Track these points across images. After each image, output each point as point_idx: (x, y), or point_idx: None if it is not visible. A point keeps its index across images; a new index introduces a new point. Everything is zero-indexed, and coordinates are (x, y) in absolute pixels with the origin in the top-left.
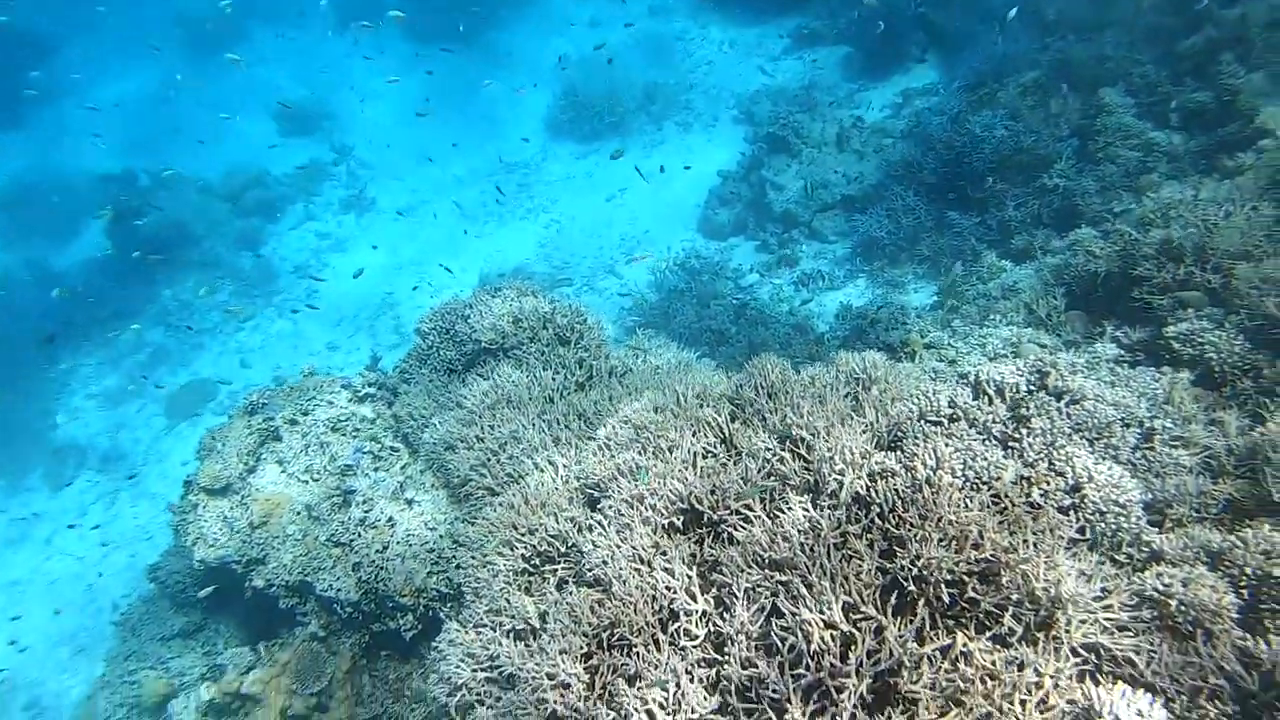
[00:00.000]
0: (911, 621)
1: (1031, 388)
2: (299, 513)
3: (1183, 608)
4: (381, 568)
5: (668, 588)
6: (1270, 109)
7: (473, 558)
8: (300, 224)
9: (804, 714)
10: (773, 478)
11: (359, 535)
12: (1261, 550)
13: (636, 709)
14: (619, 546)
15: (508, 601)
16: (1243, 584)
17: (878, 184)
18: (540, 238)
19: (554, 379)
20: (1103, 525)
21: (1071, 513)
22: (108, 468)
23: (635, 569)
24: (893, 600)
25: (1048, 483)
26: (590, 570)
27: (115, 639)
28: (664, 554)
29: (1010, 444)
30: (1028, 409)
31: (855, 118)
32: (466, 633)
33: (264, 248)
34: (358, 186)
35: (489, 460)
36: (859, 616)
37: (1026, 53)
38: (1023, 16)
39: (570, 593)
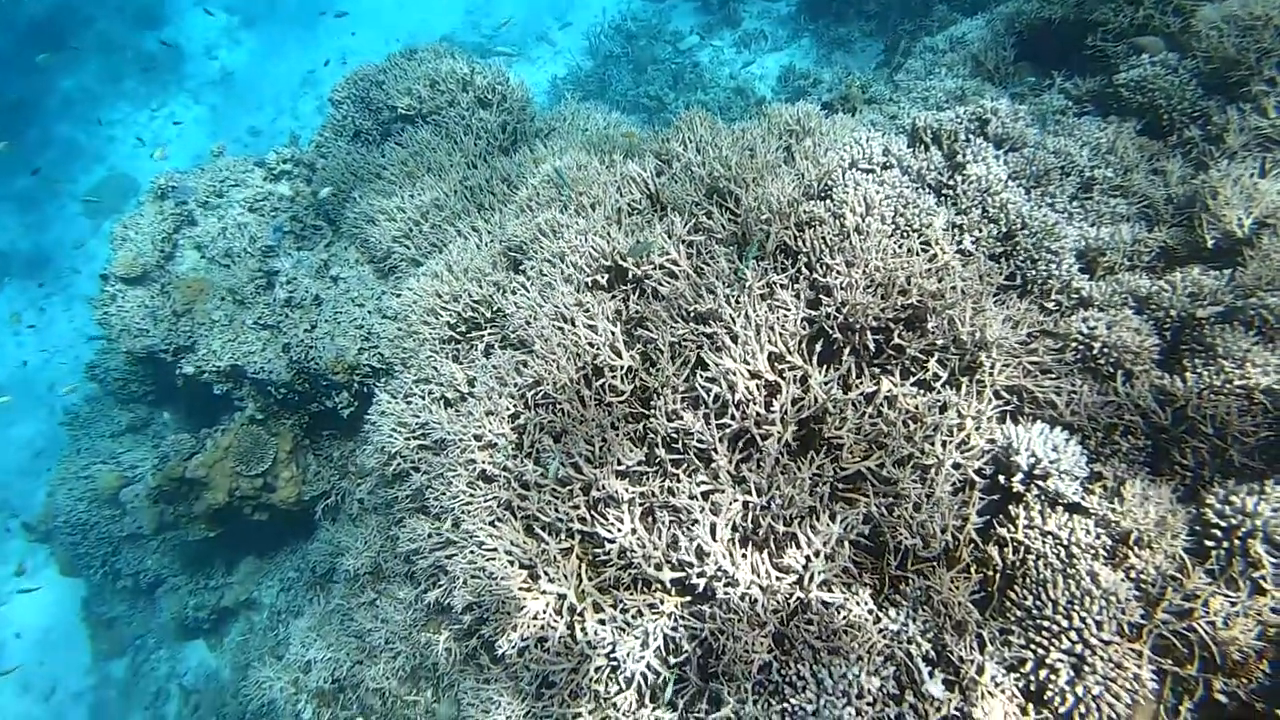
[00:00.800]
0: (837, 369)
1: (970, 134)
2: (223, 297)
3: (1105, 349)
4: (310, 347)
5: (591, 343)
6: None
7: (399, 328)
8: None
9: (730, 462)
10: (700, 232)
11: (286, 316)
12: (1188, 293)
13: (563, 464)
14: (541, 305)
15: (435, 369)
16: (1167, 326)
17: None
18: (468, 3)
19: (475, 144)
20: (1034, 272)
21: (1003, 260)
22: (34, 273)
23: (558, 327)
24: (819, 349)
25: (980, 229)
26: (514, 331)
27: (67, 439)
28: (587, 311)
29: (944, 191)
30: (964, 155)
31: None
32: (397, 403)
33: (167, 26)
34: None
35: (411, 231)
36: (785, 366)
37: None
38: None
39: (496, 355)
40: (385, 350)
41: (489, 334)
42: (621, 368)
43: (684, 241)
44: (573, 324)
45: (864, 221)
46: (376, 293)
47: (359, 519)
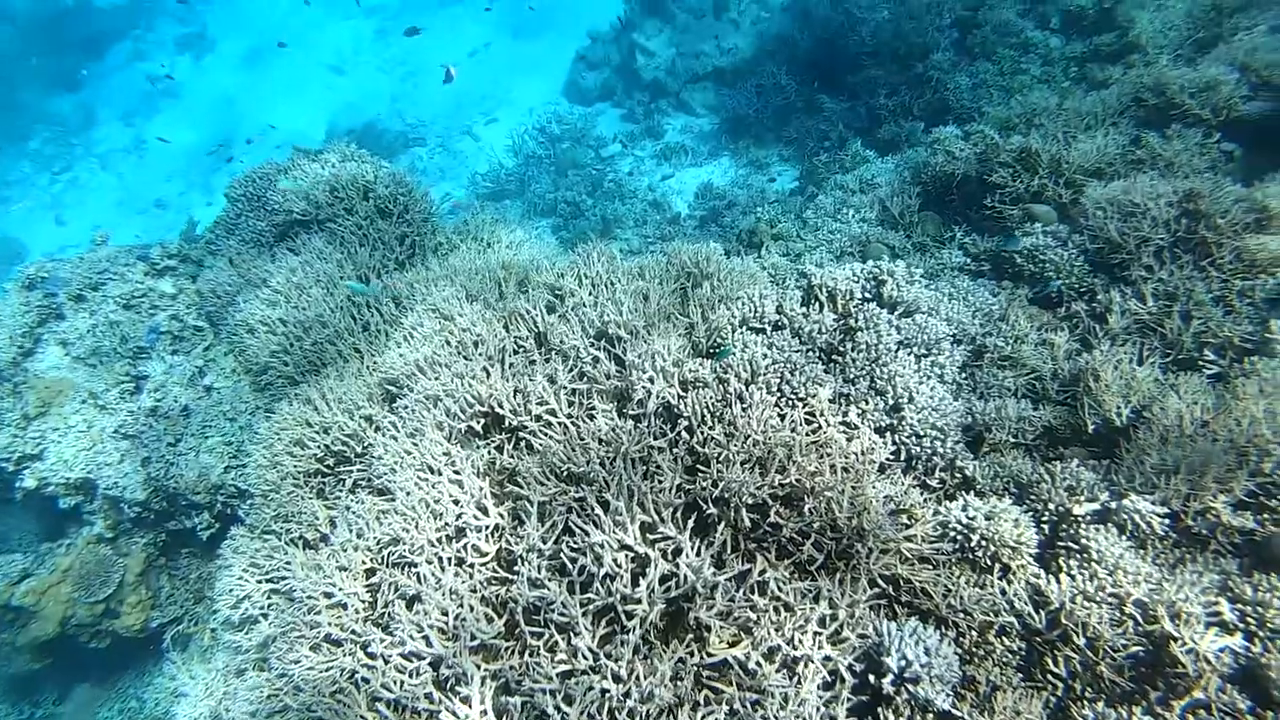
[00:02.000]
0: (711, 545)
1: (866, 295)
2: (84, 400)
3: (984, 542)
4: (172, 463)
5: (455, 500)
6: (1144, 23)
7: (263, 456)
8: (127, 64)
9: (592, 638)
10: (584, 380)
11: (149, 426)
12: (1067, 486)
13: (413, 635)
14: (408, 453)
15: (296, 506)
16: (1045, 520)
17: (752, 58)
18: (396, 91)
19: (370, 256)
20: (918, 449)
21: (889, 434)
22: None
23: (422, 479)
24: (695, 519)
25: (867, 401)
26: (379, 477)
27: None
28: (454, 463)
29: (834, 357)
30: (856, 320)
31: None
32: (252, 539)
33: (85, 90)
34: (197, 24)
35: (290, 346)
36: (657, 537)
37: None
38: None
39: (359, 500)
40: (250, 476)
41: (357, 470)
42: (487, 526)
43: (566, 390)
44: (439, 476)
45: (748, 389)
46: (251, 407)
47: (209, 653)
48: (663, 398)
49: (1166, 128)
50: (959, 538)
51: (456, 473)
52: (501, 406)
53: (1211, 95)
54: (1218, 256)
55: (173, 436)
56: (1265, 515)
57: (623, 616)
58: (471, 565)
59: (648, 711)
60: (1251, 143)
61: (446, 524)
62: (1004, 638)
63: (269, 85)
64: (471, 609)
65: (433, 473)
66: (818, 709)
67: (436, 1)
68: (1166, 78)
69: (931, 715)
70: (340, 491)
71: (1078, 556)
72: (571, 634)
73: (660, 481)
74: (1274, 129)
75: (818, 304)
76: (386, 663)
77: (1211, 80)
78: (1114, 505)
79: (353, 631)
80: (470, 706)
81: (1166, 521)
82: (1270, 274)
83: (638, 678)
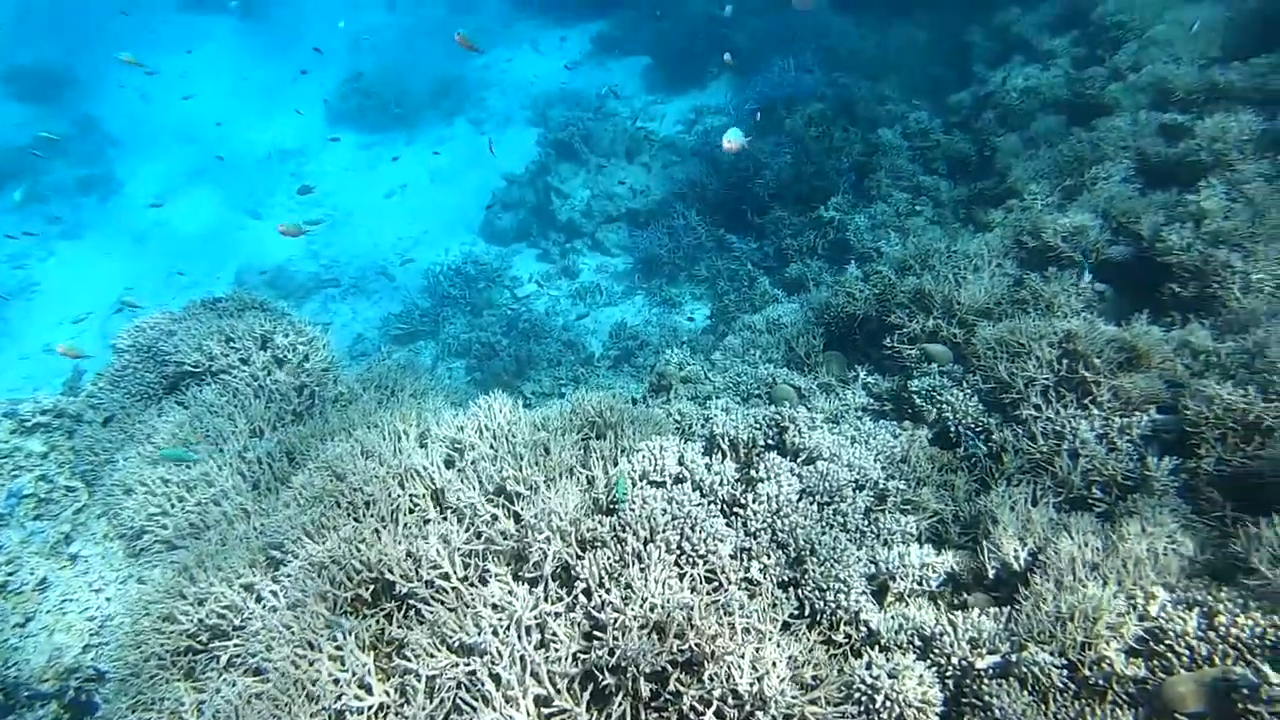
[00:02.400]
0: (609, 717)
1: (769, 442)
2: None
3: (889, 703)
4: (18, 647)
5: (335, 680)
6: (1019, 170)
7: (126, 633)
8: (24, 205)
9: None
10: (480, 540)
11: None
12: (969, 638)
13: None
14: (287, 627)
15: (158, 692)
16: (949, 675)
17: (663, 200)
18: (312, 233)
19: (265, 409)
20: (822, 603)
21: (792, 588)
22: None
23: (300, 655)
24: (592, 689)
25: (769, 556)
26: (254, 655)
27: None
28: (335, 638)
29: (736, 509)
30: (758, 470)
31: (647, 130)
32: None
33: None
34: (101, 166)
35: (169, 508)
36: (552, 711)
37: (815, 84)
38: (815, 50)
39: (230, 682)
40: (110, 656)
41: (235, 645)
42: (371, 706)
43: (461, 552)
44: (318, 652)
45: (646, 548)
46: (122, 576)
47: None
48: (560, 558)
49: (1045, 269)
50: (864, 699)
51: (338, 648)
52: (391, 572)
53: (1081, 239)
54: (1097, 395)
55: (22, 615)
56: (1155, 662)
57: None
58: None
59: None
60: (1119, 283)
61: (325, 707)
62: None
63: (180, 226)
64: None
65: (312, 648)
66: None
67: (354, 144)
68: (1042, 222)
69: None
70: (213, 671)
71: (981, 714)
72: None
73: (556, 650)
74: (1136, 271)
75: (720, 453)
76: None
77: (1080, 225)
78: (1014, 658)
79: None
80: None
81: (1065, 673)
82: (1144, 411)
83: None
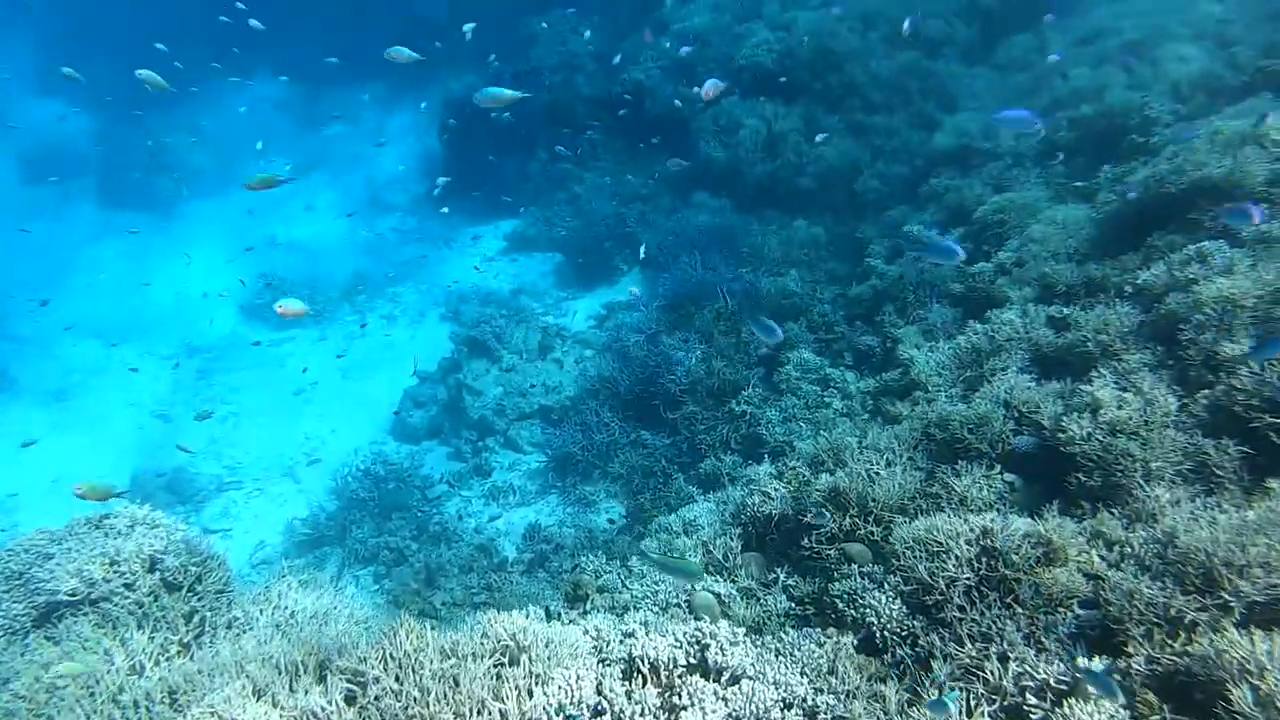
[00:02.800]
0: None
1: (691, 662)
2: None
3: None
4: None
5: None
6: (921, 361)
7: None
8: None
9: None
10: None
11: None
12: None
13: None
14: None
15: None
16: None
17: (576, 396)
18: (213, 432)
19: (148, 642)
20: None
21: None
22: None
23: None
24: None
25: None
26: None
27: None
28: None
29: None
30: (680, 696)
31: (559, 327)
32: None
33: None
34: None
35: None
36: None
37: (722, 280)
38: (720, 246)
39: None
40: None
41: None
42: None
43: None
44: None
45: None
46: None
47: None
48: None
49: (954, 461)
50: None
51: None
52: None
53: (986, 430)
54: (1020, 593)
55: None
56: None
57: None
58: None
59: None
60: (1026, 473)
61: None
62: None
63: (75, 428)
64: None
65: None
66: None
67: (264, 341)
68: (948, 414)
69: None
70: None
71: None
72: None
73: None
74: (1042, 461)
75: (640, 677)
76: None
77: (984, 416)
78: None
79: None
80: None
81: None
82: (1067, 608)
83: None
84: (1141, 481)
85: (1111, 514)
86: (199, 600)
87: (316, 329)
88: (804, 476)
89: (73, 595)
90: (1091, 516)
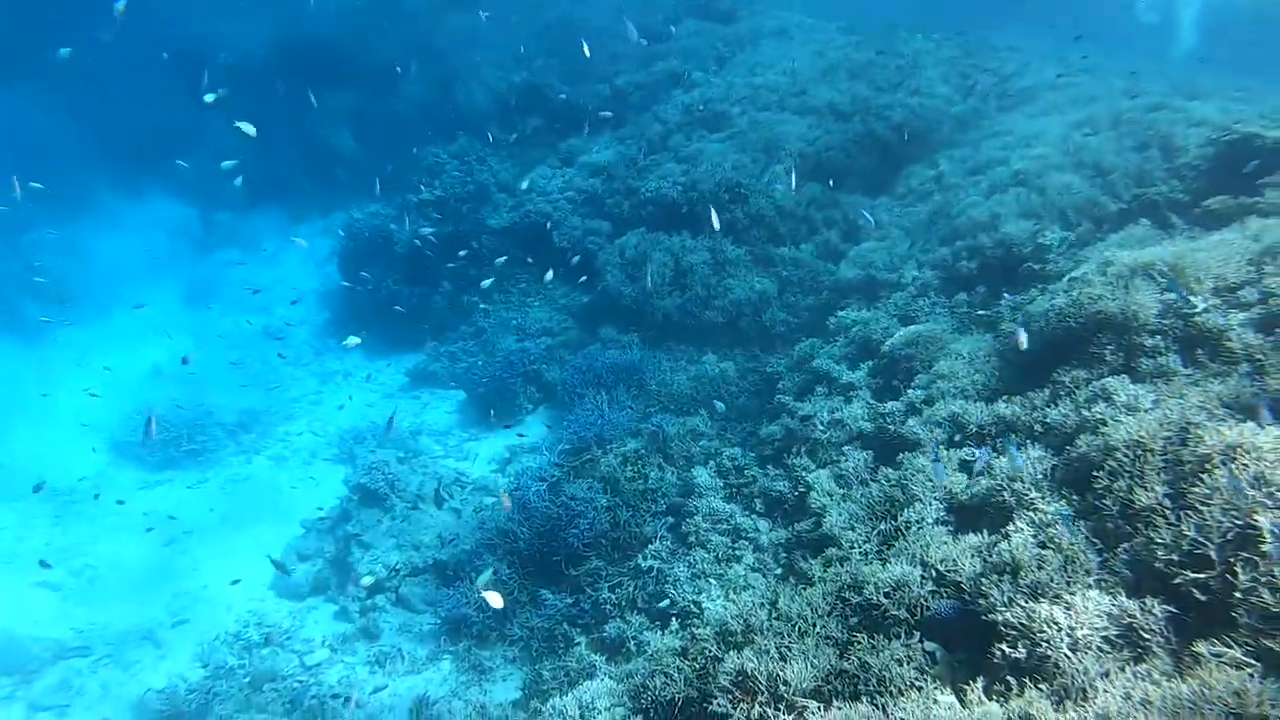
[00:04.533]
0: None
1: None
2: None
3: None
4: None
5: None
6: (835, 514)
7: None
8: None
9: None
10: None
11: None
12: None
13: None
14: None
15: None
16: None
17: (473, 549)
18: (65, 588)
19: None
20: None
21: None
22: None
23: None
24: None
25: None
26: None
27: None
28: None
29: None
30: None
31: (457, 473)
32: None
33: None
34: None
35: None
36: None
37: (628, 421)
38: (628, 383)
39: None
40: None
41: None
42: None
43: None
44: None
45: None
46: None
47: None
48: None
49: (872, 631)
50: None
51: None
52: None
53: (904, 594)
54: None
55: None
56: None
57: None
58: None
59: None
60: (948, 640)
61: None
62: None
63: None
64: None
65: None
66: None
67: (134, 484)
68: (863, 575)
69: None
70: None
71: None
72: None
73: None
74: (962, 625)
75: None
76: None
77: (901, 579)
78: None
79: None
80: None
81: None
82: None
83: None
84: (1068, 653)
85: (1040, 690)
86: None
87: (196, 471)
88: (710, 653)
89: None
90: (1019, 695)
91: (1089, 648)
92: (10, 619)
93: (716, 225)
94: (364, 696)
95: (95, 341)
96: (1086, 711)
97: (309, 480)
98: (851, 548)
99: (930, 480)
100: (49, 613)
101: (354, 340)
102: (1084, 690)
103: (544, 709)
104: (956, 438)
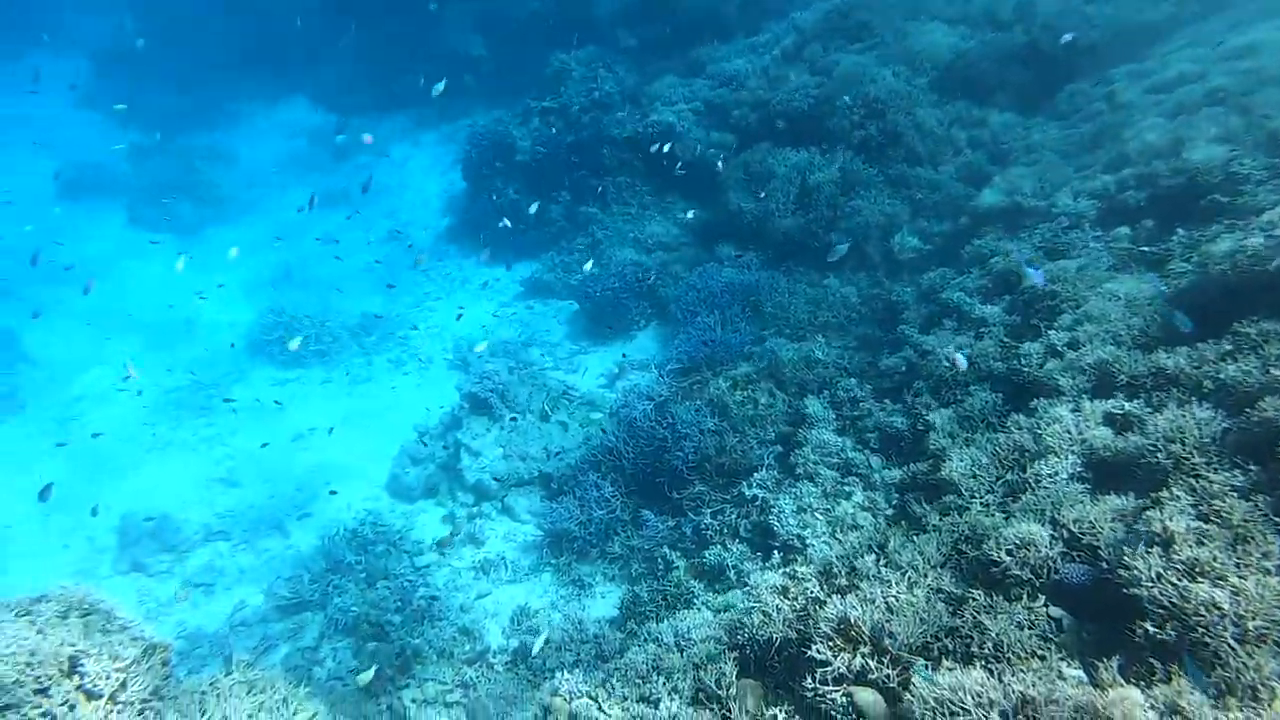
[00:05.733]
0: None
1: None
2: None
3: None
4: None
5: None
6: (956, 460)
7: None
8: None
9: None
10: None
11: None
12: None
13: None
14: None
15: None
16: None
17: (577, 465)
18: (208, 476)
19: None
20: None
21: None
22: None
23: None
24: None
25: None
26: None
27: None
28: None
29: None
30: None
31: (566, 386)
32: None
33: None
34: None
35: None
36: None
37: (741, 343)
38: (743, 304)
39: None
40: None
41: None
42: None
43: None
44: None
45: None
46: None
47: None
48: None
49: (991, 589)
50: None
51: None
52: None
53: (1029, 553)
54: None
55: None
56: None
57: None
58: None
59: None
60: (1078, 608)
61: None
62: None
63: (75, 456)
64: None
65: None
66: None
67: (267, 380)
68: (983, 528)
69: None
70: None
71: None
72: None
73: None
74: (1098, 596)
75: None
76: None
77: (1027, 537)
78: None
79: None
80: None
81: None
82: None
83: None
84: (1234, 644)
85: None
86: (118, 713)
87: (322, 369)
88: (811, 594)
89: None
90: (1165, 682)
91: (1263, 642)
92: (169, 499)
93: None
94: (469, 601)
95: (240, 239)
96: (1259, 715)
97: (424, 384)
98: (972, 496)
99: (1068, 430)
100: (198, 497)
101: (486, 249)
102: (1254, 689)
103: (640, 631)
104: (1103, 387)
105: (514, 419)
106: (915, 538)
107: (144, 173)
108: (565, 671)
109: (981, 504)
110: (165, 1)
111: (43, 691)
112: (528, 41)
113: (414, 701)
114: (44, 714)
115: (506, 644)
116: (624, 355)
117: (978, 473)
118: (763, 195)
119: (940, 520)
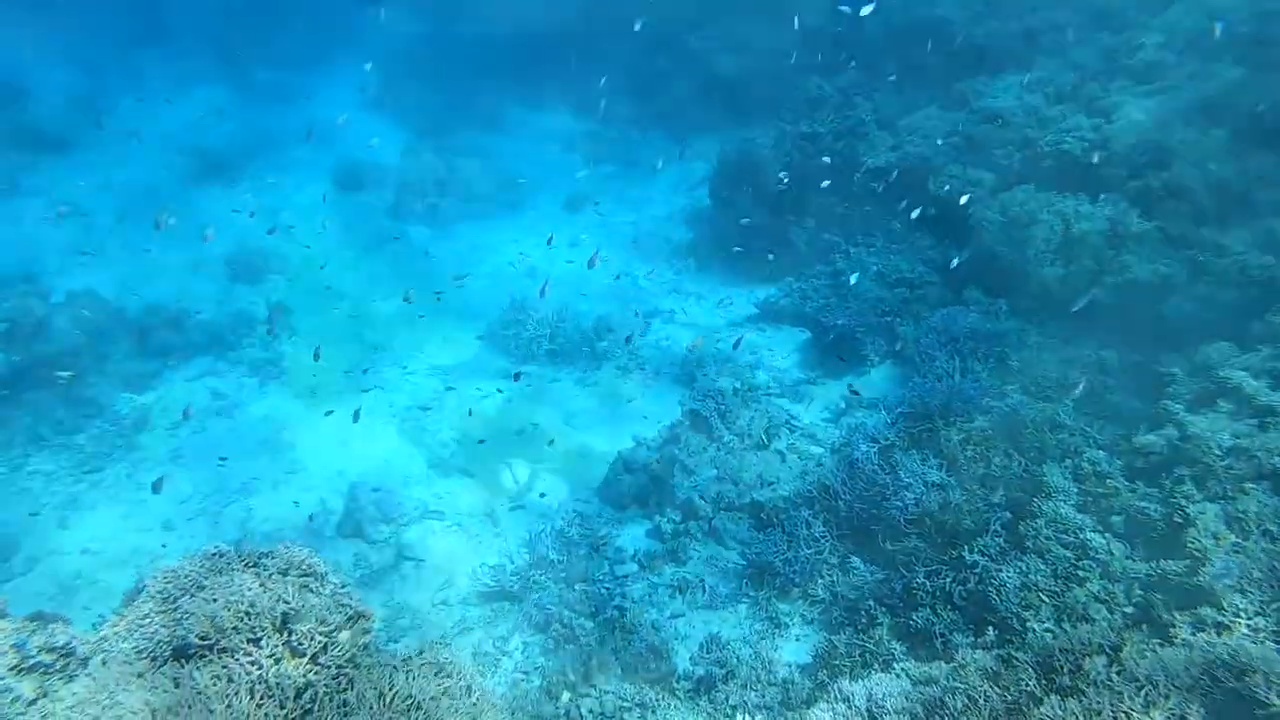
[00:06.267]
0: None
1: None
2: None
3: None
4: None
5: None
6: (1219, 565)
7: None
8: (199, 376)
9: None
10: None
11: None
12: None
13: None
14: None
15: None
16: None
17: (790, 498)
18: (428, 459)
19: (255, 710)
20: None
21: None
22: None
23: None
24: None
25: None
26: None
27: None
28: None
29: None
30: None
31: (789, 415)
32: None
33: (149, 393)
34: (275, 351)
35: None
36: None
37: (979, 395)
38: (986, 355)
39: None
40: None
41: None
42: None
43: None
44: None
45: None
46: None
47: None
48: None
49: None
50: None
51: None
52: None
53: None
54: None
55: None
56: None
57: None
58: None
59: None
60: None
61: None
62: None
63: (321, 424)
64: None
65: None
66: None
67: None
68: (1248, 657)
69: None
70: None
71: None
72: None
73: None
74: None
75: None
76: None
77: None
78: None
79: None
80: None
81: None
82: None
83: None
84: None
85: None
86: (317, 673)
87: (550, 369)
88: (1027, 687)
89: (203, 640)
90: None
91: None
92: (401, 468)
93: None
94: (662, 619)
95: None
96: None
97: (647, 395)
98: (1237, 615)
99: None
100: (420, 474)
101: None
102: None
103: (831, 686)
104: None
105: (739, 442)
106: (1159, 649)
107: (408, 169)
108: (746, 715)
109: (1249, 627)
110: (450, 19)
111: (255, 641)
112: (781, 64)
113: (591, 713)
114: (253, 662)
115: (693, 670)
116: (850, 386)
117: (1247, 588)
118: (1020, 240)
119: (1193, 635)
